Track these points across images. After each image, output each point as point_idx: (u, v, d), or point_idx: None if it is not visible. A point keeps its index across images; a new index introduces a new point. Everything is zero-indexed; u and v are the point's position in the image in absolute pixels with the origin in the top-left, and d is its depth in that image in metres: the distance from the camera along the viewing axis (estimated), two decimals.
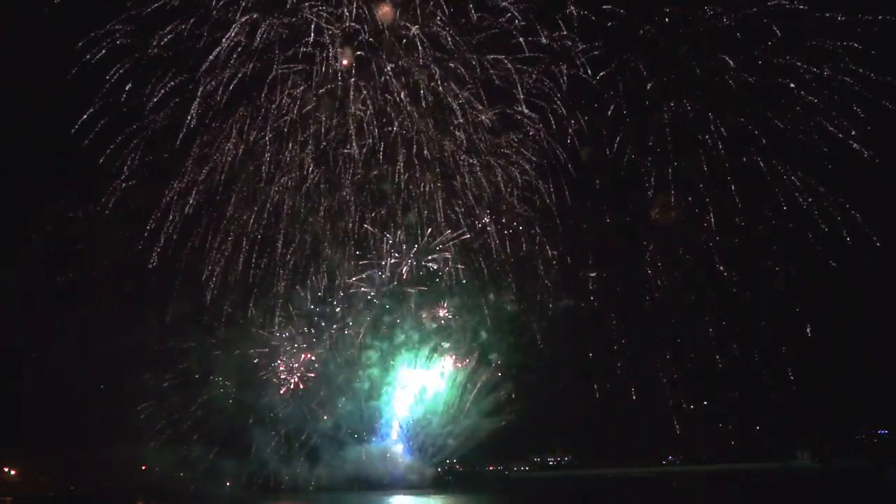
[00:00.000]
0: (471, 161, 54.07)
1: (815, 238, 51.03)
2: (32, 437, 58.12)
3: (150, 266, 53.13)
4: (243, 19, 48.60)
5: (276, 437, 59.97)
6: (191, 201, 52.21)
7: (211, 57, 49.07)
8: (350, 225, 54.92)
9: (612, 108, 53.39)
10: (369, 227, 55.15)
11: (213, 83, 49.82)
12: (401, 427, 63.26)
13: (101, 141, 49.68)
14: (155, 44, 48.57)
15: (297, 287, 56.42)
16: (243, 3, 48.85)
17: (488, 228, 55.98)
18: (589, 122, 53.55)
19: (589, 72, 52.57)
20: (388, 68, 51.14)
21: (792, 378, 57.92)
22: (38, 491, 63.03)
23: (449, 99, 52.15)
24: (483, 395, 61.08)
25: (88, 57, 48.17)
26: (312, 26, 49.65)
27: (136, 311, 55.10)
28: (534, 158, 54.48)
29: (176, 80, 50.06)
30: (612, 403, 61.04)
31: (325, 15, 49.59)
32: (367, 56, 50.82)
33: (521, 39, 51.10)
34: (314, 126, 52.11)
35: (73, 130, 48.96)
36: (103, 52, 48.43)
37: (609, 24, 51.20)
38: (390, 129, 53.14)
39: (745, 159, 51.50)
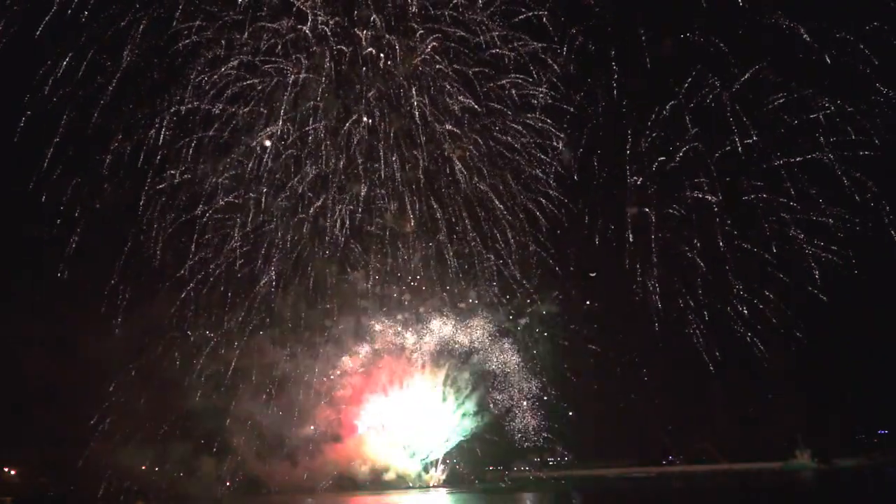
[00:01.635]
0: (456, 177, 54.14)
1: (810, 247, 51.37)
2: (32, 437, 58.82)
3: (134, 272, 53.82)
4: (222, 39, 48.81)
5: (264, 441, 60.16)
6: (172, 214, 52.57)
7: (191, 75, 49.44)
8: (333, 243, 55.12)
9: (591, 124, 53.60)
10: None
11: (189, 104, 50.12)
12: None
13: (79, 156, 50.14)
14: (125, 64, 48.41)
15: (280, 292, 56.47)
16: (225, 17, 48.81)
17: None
18: (570, 138, 54.02)
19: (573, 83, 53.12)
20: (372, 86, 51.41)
21: (792, 378, 58.15)
22: (38, 491, 63.79)
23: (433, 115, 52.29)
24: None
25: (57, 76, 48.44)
26: (291, 43, 49.87)
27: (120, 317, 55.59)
28: (520, 169, 54.66)
29: (152, 104, 50.62)
30: (611, 403, 61.43)
31: (306, 31, 49.59)
32: (350, 72, 50.85)
33: (501, 52, 50.98)
34: (298, 140, 52.33)
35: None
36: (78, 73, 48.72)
37: (588, 41, 51.19)
38: (376, 143, 53.49)
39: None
